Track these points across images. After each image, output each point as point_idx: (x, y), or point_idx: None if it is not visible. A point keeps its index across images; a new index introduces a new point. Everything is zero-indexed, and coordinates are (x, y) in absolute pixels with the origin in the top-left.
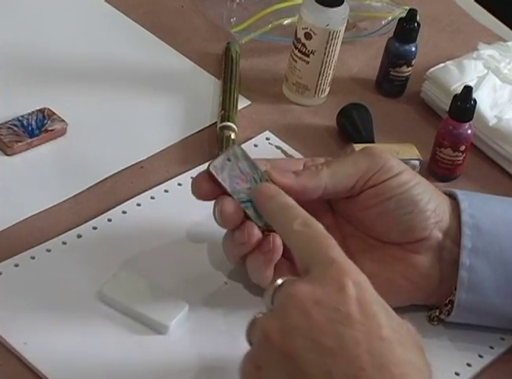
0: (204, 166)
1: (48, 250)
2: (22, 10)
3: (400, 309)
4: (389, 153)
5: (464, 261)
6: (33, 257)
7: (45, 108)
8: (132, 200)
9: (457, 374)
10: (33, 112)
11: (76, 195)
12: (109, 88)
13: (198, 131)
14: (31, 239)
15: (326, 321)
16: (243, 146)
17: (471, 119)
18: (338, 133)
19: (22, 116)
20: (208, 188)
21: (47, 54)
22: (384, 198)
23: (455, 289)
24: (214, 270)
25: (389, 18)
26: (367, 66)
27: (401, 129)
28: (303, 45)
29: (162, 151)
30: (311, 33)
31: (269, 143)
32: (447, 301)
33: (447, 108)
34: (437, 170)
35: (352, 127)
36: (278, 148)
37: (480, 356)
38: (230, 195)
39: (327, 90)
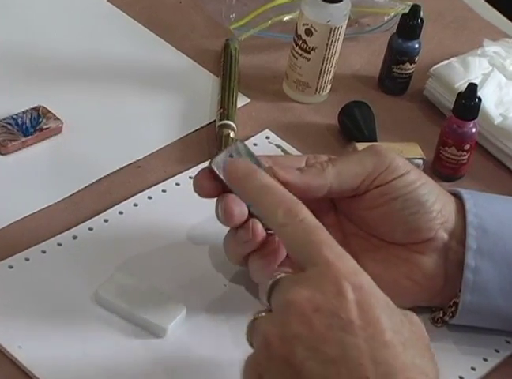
0: (203, 166)
1: (43, 252)
2: (16, 7)
3: None
4: (394, 152)
5: (469, 262)
6: (28, 259)
7: (40, 106)
8: (129, 200)
9: (461, 378)
10: (27, 110)
11: (71, 195)
12: (105, 86)
13: (197, 130)
14: (25, 240)
15: (327, 329)
16: None
17: (476, 117)
18: (340, 132)
19: (16, 114)
20: (210, 185)
21: (42, 50)
22: (390, 198)
23: (460, 290)
24: (213, 272)
25: (392, 14)
26: (369, 63)
27: (404, 128)
28: (304, 42)
29: (159, 150)
30: (312, 29)
31: (269, 142)
32: (451, 302)
33: (451, 106)
34: (441, 170)
35: (354, 126)
36: (278, 146)
37: (485, 359)
38: (232, 192)
39: (328, 88)
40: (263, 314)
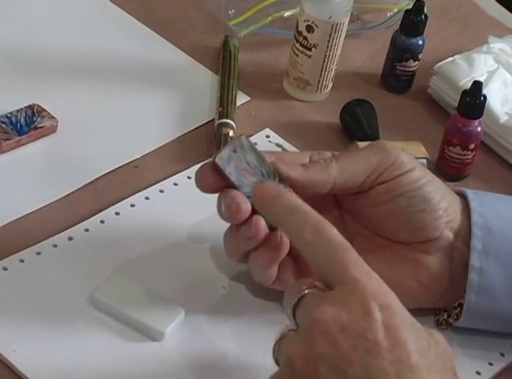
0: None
1: (38, 253)
2: (11, 5)
3: None
4: (400, 148)
5: (474, 263)
6: (22, 261)
7: (34, 104)
8: (126, 200)
9: None
10: (22, 109)
11: (67, 195)
12: (102, 84)
13: (195, 128)
14: (20, 242)
15: (352, 350)
16: None
17: (481, 116)
18: (341, 131)
19: (10, 113)
20: (214, 180)
21: (36, 47)
22: (395, 195)
23: (464, 292)
24: (212, 274)
25: (395, 10)
26: (371, 60)
27: (408, 127)
28: (305, 38)
29: (157, 149)
30: (313, 26)
31: (269, 141)
32: (456, 304)
33: (456, 104)
34: (445, 170)
35: (356, 124)
36: (278, 145)
37: (490, 364)
38: (235, 188)
39: (330, 85)
40: (289, 332)
